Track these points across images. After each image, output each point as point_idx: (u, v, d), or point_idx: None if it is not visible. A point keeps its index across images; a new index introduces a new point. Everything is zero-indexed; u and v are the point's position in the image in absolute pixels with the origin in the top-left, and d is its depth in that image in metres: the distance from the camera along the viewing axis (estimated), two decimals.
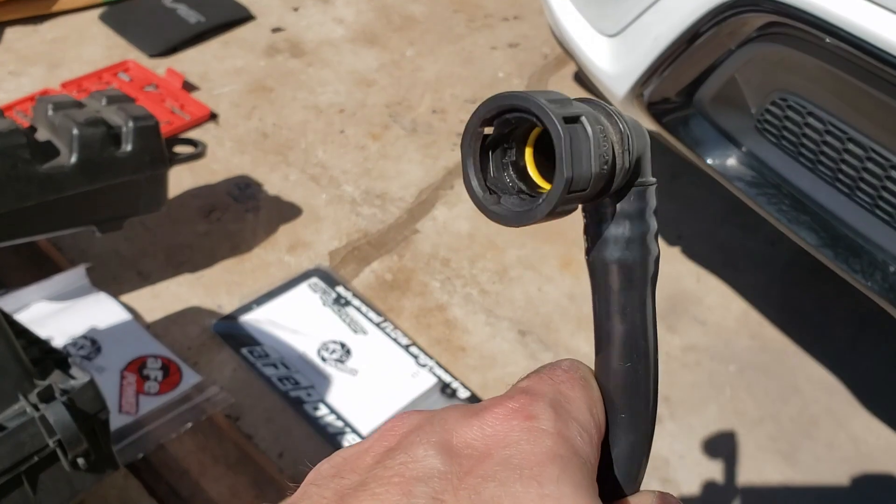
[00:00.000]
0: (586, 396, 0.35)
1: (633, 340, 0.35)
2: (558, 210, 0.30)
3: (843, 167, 1.03)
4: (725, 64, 1.07)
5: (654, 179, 0.34)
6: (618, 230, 0.33)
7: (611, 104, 0.33)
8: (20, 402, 0.89)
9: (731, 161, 1.18)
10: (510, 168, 0.32)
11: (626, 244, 0.34)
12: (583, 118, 0.30)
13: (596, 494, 0.32)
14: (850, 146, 1.00)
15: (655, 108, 1.18)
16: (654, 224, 0.34)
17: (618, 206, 0.33)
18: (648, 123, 1.25)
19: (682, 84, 1.14)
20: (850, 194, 1.05)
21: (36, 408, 0.88)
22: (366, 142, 1.89)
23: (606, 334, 0.36)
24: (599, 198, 0.33)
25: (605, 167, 0.31)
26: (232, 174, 1.75)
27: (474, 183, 0.32)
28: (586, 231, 0.35)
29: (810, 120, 1.03)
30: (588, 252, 0.35)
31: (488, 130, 0.32)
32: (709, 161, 1.18)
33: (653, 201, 0.34)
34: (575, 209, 0.32)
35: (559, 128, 0.29)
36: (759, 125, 1.13)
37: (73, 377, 0.93)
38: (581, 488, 0.31)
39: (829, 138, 1.02)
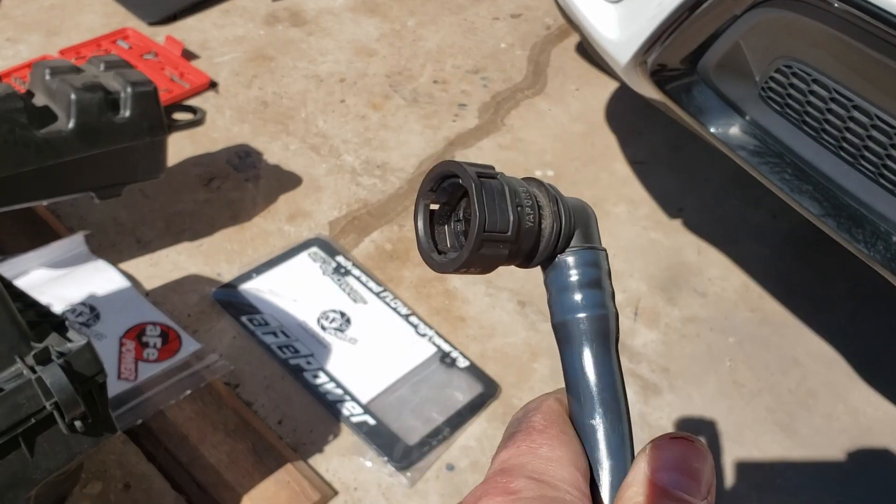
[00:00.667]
0: (568, 452, 0.36)
1: (599, 397, 0.37)
2: (483, 252, 0.34)
3: (848, 135, 1.02)
4: (730, 30, 1.05)
5: (601, 247, 0.38)
6: (573, 292, 0.37)
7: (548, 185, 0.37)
8: (16, 364, 0.89)
9: (734, 130, 1.17)
10: (461, 236, 0.37)
11: (583, 305, 0.37)
12: (499, 176, 0.35)
13: None
14: (855, 114, 0.99)
15: (658, 76, 1.16)
16: (607, 286, 0.38)
17: (569, 270, 0.37)
18: (651, 92, 1.24)
19: (686, 51, 1.13)
20: (854, 163, 1.04)
21: (32, 370, 0.88)
22: (366, 112, 1.88)
23: (573, 392, 0.38)
24: (535, 256, 0.36)
25: (530, 218, 0.35)
26: (232, 143, 1.74)
27: (425, 246, 0.37)
28: (548, 300, 0.38)
29: (815, 87, 1.02)
30: (552, 318, 0.38)
31: (434, 206, 0.37)
32: (712, 130, 1.17)
33: (604, 265, 0.38)
34: (504, 255, 0.35)
35: (471, 177, 0.34)
36: (762, 93, 1.12)
37: (70, 340, 0.93)
38: None
39: (833, 106, 1.01)
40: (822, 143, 1.07)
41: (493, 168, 0.35)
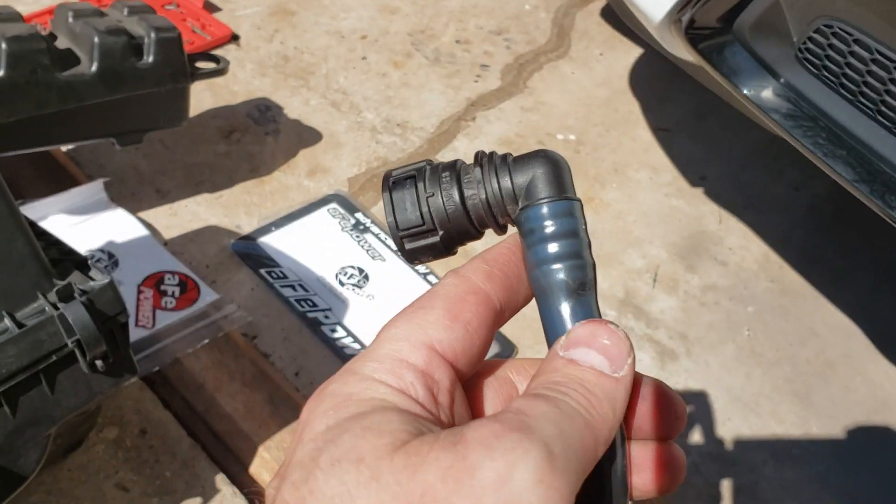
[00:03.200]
0: (421, 326, 0.36)
1: None
2: (411, 246, 0.38)
3: (888, 98, 1.00)
4: None
5: (574, 197, 0.37)
6: (546, 243, 0.37)
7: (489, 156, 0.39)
8: (39, 300, 0.88)
9: (767, 92, 1.15)
10: None
11: (557, 255, 0.37)
12: (419, 173, 0.38)
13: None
14: None
15: (692, 34, 1.14)
16: (583, 235, 0.37)
17: (540, 223, 0.37)
18: (683, 52, 1.22)
19: (723, 9, 1.10)
20: (893, 127, 1.02)
21: (55, 307, 0.87)
22: (387, 69, 1.86)
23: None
24: (488, 226, 0.39)
25: (451, 202, 0.38)
26: (252, 96, 1.73)
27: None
28: (524, 257, 0.38)
29: (856, 48, 1.00)
30: (528, 273, 0.38)
31: None
32: (744, 91, 1.15)
33: (578, 215, 0.37)
34: (436, 242, 0.38)
35: (385, 186, 0.38)
36: (799, 55, 1.10)
37: (92, 279, 0.92)
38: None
39: (874, 68, 0.99)
40: (858, 107, 1.05)
41: (421, 163, 0.39)
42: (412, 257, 0.39)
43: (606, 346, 0.35)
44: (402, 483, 0.29)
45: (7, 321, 0.85)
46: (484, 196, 0.38)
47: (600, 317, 0.37)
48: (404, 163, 1.68)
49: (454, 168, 0.38)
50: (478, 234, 0.39)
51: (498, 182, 0.38)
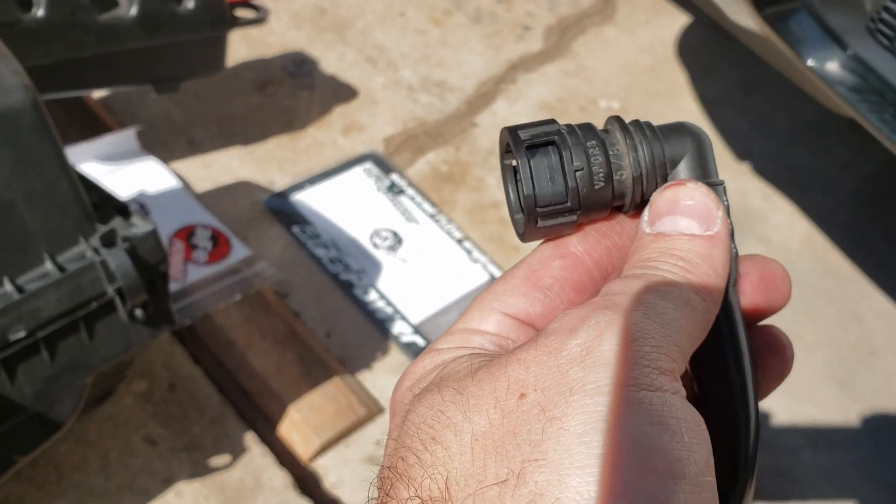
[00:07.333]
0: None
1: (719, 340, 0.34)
2: (543, 225, 0.33)
3: None
4: None
5: (717, 180, 0.34)
6: None
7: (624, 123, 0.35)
8: (81, 244, 0.86)
9: (833, 64, 1.10)
10: None
11: None
12: (558, 136, 0.33)
13: None
14: None
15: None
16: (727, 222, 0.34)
17: None
18: (746, 17, 1.17)
19: None
20: None
21: (97, 252, 0.84)
22: (426, 27, 1.81)
23: None
24: (624, 207, 0.34)
25: (600, 177, 0.33)
26: (288, 49, 1.68)
27: (512, 207, 0.36)
28: None
29: None
30: None
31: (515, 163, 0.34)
32: (809, 63, 1.10)
33: (722, 200, 0.34)
34: (572, 221, 0.34)
35: (520, 151, 0.33)
36: (871, 25, 1.05)
37: (134, 225, 0.89)
38: None
39: None
40: None
41: (554, 125, 0.33)
42: (534, 236, 0.34)
43: (691, 207, 0.33)
44: (487, 388, 0.29)
45: (49, 264, 0.82)
46: (638, 172, 0.34)
47: (742, 317, 0.34)
48: (441, 124, 1.65)
49: (596, 135, 0.34)
50: (608, 214, 0.35)
51: (652, 157, 0.34)
